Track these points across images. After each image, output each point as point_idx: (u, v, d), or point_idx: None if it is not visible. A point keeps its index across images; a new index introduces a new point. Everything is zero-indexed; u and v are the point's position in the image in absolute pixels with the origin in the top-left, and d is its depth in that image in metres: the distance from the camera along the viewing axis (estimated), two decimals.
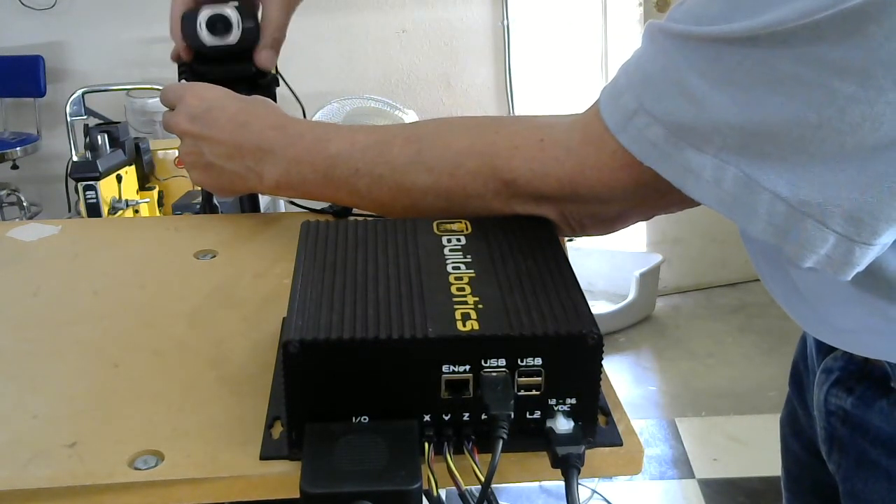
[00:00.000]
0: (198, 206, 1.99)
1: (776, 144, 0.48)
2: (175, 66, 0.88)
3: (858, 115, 0.45)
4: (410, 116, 2.60)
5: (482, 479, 0.46)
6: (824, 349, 0.71)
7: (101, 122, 2.29)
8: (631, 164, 0.55)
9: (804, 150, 0.47)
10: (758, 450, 2.15)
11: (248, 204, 0.93)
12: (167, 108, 0.77)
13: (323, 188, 0.68)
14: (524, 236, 0.60)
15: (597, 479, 2.01)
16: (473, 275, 0.54)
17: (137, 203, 2.09)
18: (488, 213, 0.63)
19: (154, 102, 3.01)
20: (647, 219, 0.65)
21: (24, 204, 3.40)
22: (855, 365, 0.66)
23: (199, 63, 0.85)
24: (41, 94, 3.33)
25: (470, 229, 0.61)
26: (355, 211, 0.76)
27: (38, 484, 0.48)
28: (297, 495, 0.45)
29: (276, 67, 0.90)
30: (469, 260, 0.56)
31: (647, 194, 0.58)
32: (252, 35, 0.84)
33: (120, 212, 2.03)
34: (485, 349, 0.47)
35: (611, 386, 0.57)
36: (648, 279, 2.86)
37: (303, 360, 0.47)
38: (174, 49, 0.86)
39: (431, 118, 0.69)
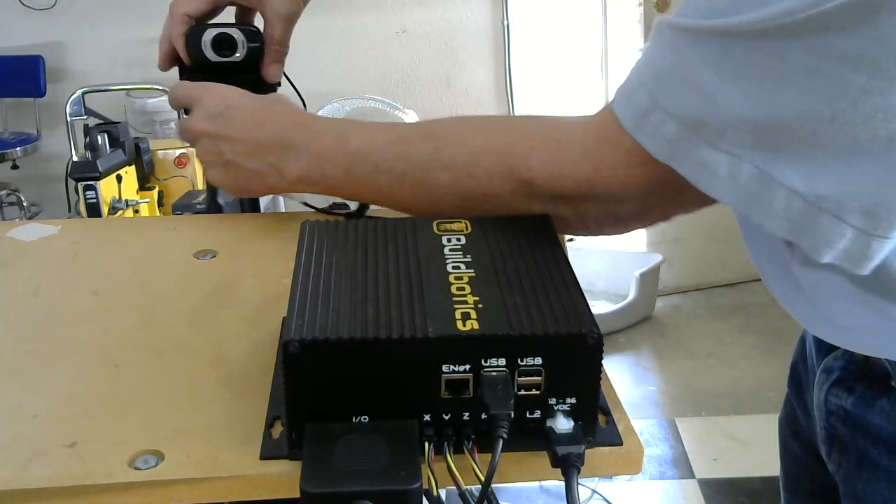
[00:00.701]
0: (198, 206, 2.00)
1: (790, 138, 0.47)
2: (175, 68, 0.88)
3: (871, 106, 0.44)
4: (410, 116, 2.60)
5: (482, 478, 0.46)
6: (824, 349, 0.70)
7: (101, 122, 2.29)
8: (647, 162, 0.55)
9: (818, 144, 0.47)
10: (758, 450, 2.15)
11: (248, 204, 0.93)
12: (177, 109, 0.77)
13: (343, 184, 0.68)
14: (524, 236, 0.60)
15: (597, 479, 2.01)
16: (473, 274, 0.54)
17: (137, 203, 2.09)
18: (506, 212, 0.63)
19: (154, 102, 3.01)
20: (666, 219, 0.64)
21: (24, 204, 3.40)
22: (855, 364, 0.66)
23: (200, 73, 0.85)
24: (41, 94, 3.33)
25: (470, 229, 0.61)
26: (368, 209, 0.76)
27: (38, 484, 0.48)
28: (297, 495, 0.45)
29: None
30: (469, 260, 0.56)
31: (664, 192, 0.58)
32: (257, 53, 0.84)
33: (120, 212, 2.03)
34: (485, 349, 0.47)
35: (611, 386, 0.57)
36: (648, 279, 2.86)
37: (303, 359, 0.47)
38: (160, 58, 0.86)
39: (450, 116, 0.69)
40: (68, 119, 2.50)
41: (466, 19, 3.38)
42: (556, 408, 0.49)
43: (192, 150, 2.28)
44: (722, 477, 2.09)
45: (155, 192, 2.19)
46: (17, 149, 3.34)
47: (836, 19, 0.43)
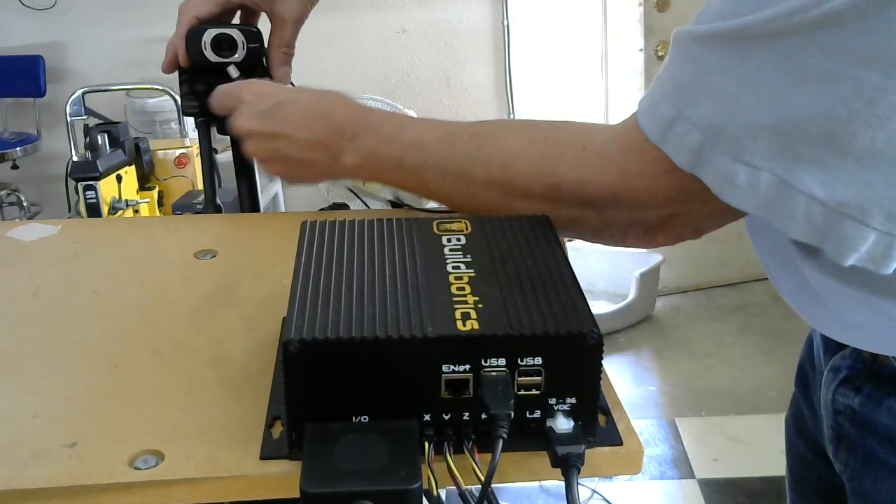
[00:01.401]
0: (198, 206, 2.00)
1: (808, 143, 0.47)
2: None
3: (887, 106, 0.44)
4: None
5: (482, 478, 0.46)
6: (832, 348, 0.70)
7: (101, 122, 2.29)
8: (673, 171, 0.55)
9: (836, 148, 0.46)
10: (758, 450, 2.15)
11: (249, 204, 0.94)
12: (223, 114, 0.77)
13: (395, 176, 0.70)
14: (524, 236, 0.60)
15: (597, 479, 2.01)
16: (473, 274, 0.54)
17: (137, 203, 2.10)
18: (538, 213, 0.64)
19: (154, 102, 3.01)
20: (696, 234, 0.64)
21: (24, 204, 3.40)
22: (863, 363, 0.66)
23: (200, 74, 0.85)
24: (41, 94, 3.33)
25: (470, 229, 0.61)
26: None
27: (38, 484, 0.48)
28: (297, 495, 0.45)
29: None
30: (469, 260, 0.56)
31: (690, 200, 0.58)
32: (256, 54, 0.84)
33: (120, 212, 2.03)
34: (485, 349, 0.47)
35: (611, 386, 0.57)
36: (648, 279, 2.86)
37: (303, 359, 0.47)
38: (165, 61, 0.86)
39: (495, 118, 0.72)
40: (68, 119, 2.50)
41: (466, 19, 3.38)
42: (556, 408, 0.49)
43: (192, 150, 2.28)
44: (722, 477, 2.09)
45: (155, 192, 2.19)
46: (17, 149, 3.34)
47: (849, 17, 0.43)
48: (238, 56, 0.83)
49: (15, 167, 3.38)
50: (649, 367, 2.65)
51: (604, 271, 3.04)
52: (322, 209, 0.81)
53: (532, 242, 0.59)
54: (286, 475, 0.49)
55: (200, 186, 2.23)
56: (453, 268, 0.55)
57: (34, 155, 3.40)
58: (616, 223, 0.63)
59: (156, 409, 0.55)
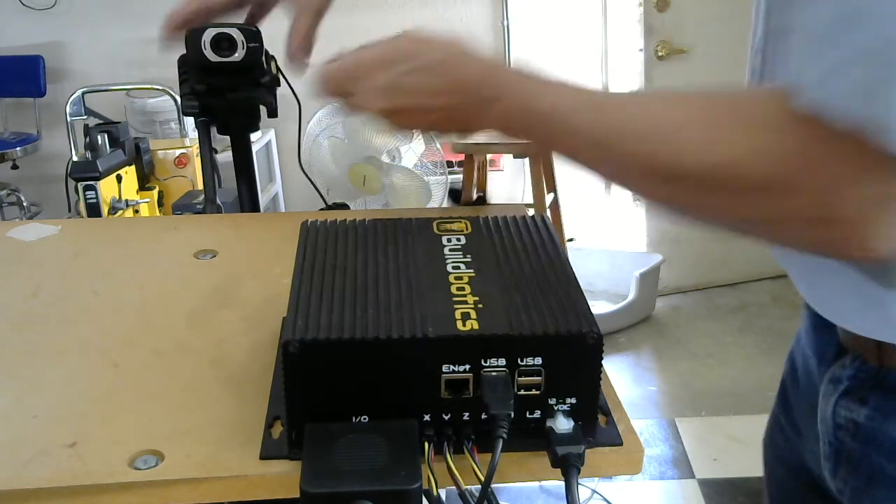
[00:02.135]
0: (198, 206, 2.00)
1: None
2: (175, 68, 0.88)
3: None
4: None
5: (482, 478, 0.46)
6: (828, 358, 0.66)
7: (101, 122, 2.29)
8: (852, 151, 0.47)
9: None
10: (758, 450, 2.15)
11: (249, 204, 0.94)
12: (337, 96, 0.68)
13: (538, 141, 0.62)
14: (524, 236, 0.60)
15: (597, 479, 2.01)
16: (473, 274, 0.54)
17: (137, 203, 2.09)
18: (690, 201, 0.55)
19: (154, 102, 3.01)
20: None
21: (24, 204, 3.40)
22: (866, 373, 0.62)
23: (203, 75, 0.85)
24: (41, 94, 3.33)
25: (470, 229, 0.61)
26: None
27: (38, 484, 0.48)
28: (297, 495, 0.45)
29: (279, 67, 0.90)
30: (469, 260, 0.56)
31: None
32: (256, 53, 0.84)
33: (120, 212, 2.03)
34: (485, 349, 0.47)
35: (611, 386, 0.57)
36: (648, 279, 2.86)
37: (303, 360, 0.47)
38: (166, 27, 0.83)
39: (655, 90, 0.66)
40: (68, 119, 2.50)
41: (466, 19, 3.38)
42: (556, 408, 0.49)
43: (192, 150, 2.28)
44: (722, 477, 2.09)
45: (155, 192, 2.19)
46: (17, 149, 3.34)
47: None
48: (238, 56, 0.83)
49: (15, 167, 3.38)
50: (649, 367, 2.65)
51: (604, 271, 3.04)
52: (322, 209, 0.81)
53: (532, 242, 0.59)
54: (286, 475, 0.49)
55: (200, 186, 2.23)
56: (453, 268, 0.55)
57: (34, 155, 3.40)
58: (789, 218, 0.52)
59: (156, 409, 0.55)
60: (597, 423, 0.51)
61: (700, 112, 0.54)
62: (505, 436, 0.46)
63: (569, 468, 0.47)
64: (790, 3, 0.57)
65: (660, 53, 2.97)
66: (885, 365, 0.60)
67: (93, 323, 0.66)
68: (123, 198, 2.04)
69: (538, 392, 0.49)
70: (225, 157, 0.97)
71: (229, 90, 0.87)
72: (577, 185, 3.35)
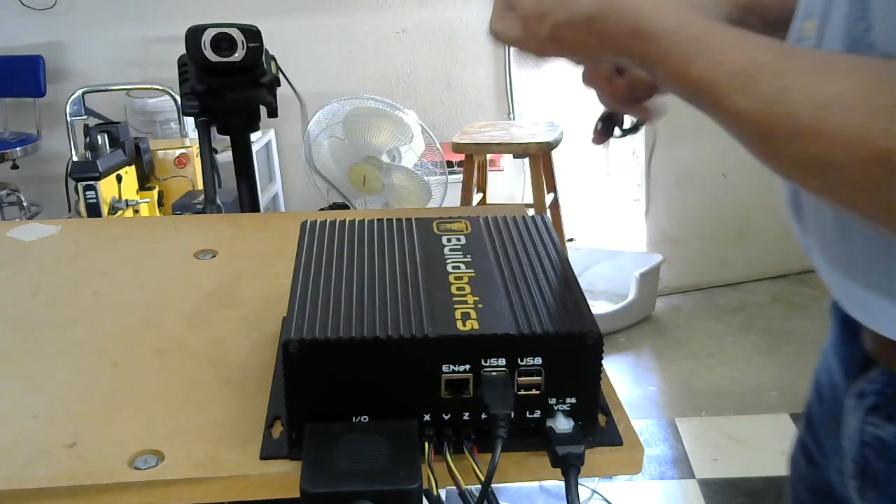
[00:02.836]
0: (198, 206, 2.00)
1: None
2: (175, 68, 0.88)
3: None
4: (410, 116, 2.60)
5: (482, 478, 0.46)
6: (854, 370, 0.63)
7: (101, 122, 2.29)
8: None
9: None
10: (758, 450, 2.15)
11: (249, 204, 0.94)
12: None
13: (695, 104, 0.56)
14: (524, 236, 0.60)
15: (597, 479, 2.01)
16: (473, 274, 0.54)
17: (137, 203, 2.09)
18: (855, 188, 0.49)
19: (154, 102, 3.01)
20: None
21: (24, 204, 3.40)
22: (893, 388, 0.59)
23: (204, 74, 0.85)
24: (41, 94, 3.33)
25: (470, 229, 0.61)
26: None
27: (38, 484, 0.48)
28: (297, 495, 0.45)
29: (279, 67, 0.90)
30: (469, 260, 0.56)
31: None
32: (256, 53, 0.84)
33: (120, 212, 2.03)
34: (485, 348, 0.47)
35: (611, 386, 0.57)
36: (648, 279, 2.86)
37: (303, 359, 0.47)
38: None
39: (810, 48, 0.58)
40: (68, 119, 2.50)
41: (466, 19, 3.38)
42: (556, 408, 0.49)
43: (192, 150, 2.28)
44: (722, 477, 2.09)
45: (155, 192, 2.19)
46: (17, 149, 3.34)
47: None
48: (238, 56, 0.83)
49: (15, 167, 3.38)
50: (649, 367, 2.65)
51: (604, 271, 3.04)
52: (322, 209, 0.81)
53: (532, 242, 0.59)
54: (286, 475, 0.49)
55: (200, 186, 2.23)
56: (453, 268, 0.55)
57: (34, 155, 3.40)
58: None
59: (156, 409, 0.55)
60: (597, 422, 0.51)
61: (877, 83, 0.47)
62: (505, 436, 0.46)
63: (569, 468, 0.47)
64: None
65: None
66: None
67: (93, 323, 0.66)
68: (123, 198, 2.05)
69: (538, 392, 0.49)
70: (225, 157, 0.97)
71: (229, 90, 0.87)
72: (577, 185, 3.35)
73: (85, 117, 2.49)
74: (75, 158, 2.09)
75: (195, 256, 0.77)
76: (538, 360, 0.48)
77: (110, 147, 2.04)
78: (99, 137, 2.02)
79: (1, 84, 3.40)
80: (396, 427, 0.48)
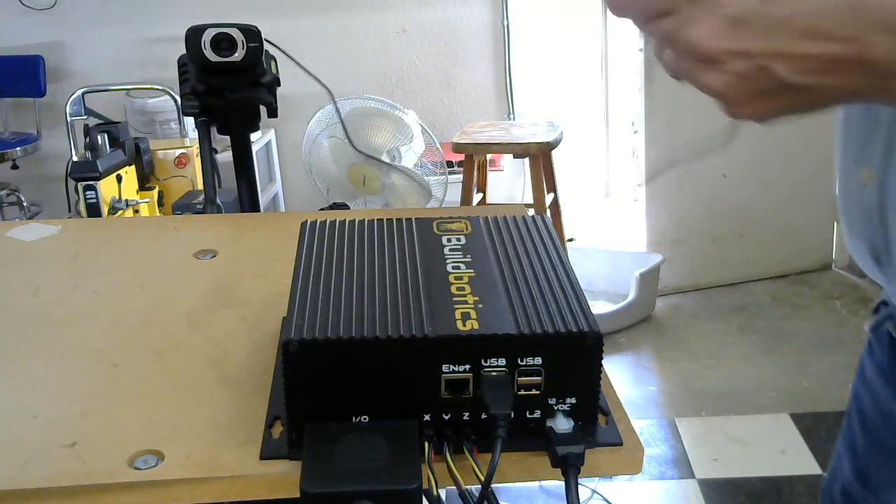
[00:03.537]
0: (198, 206, 2.00)
1: None
2: (175, 68, 0.88)
3: None
4: (410, 116, 2.60)
5: (482, 478, 0.46)
6: None
7: (101, 122, 2.29)
8: None
9: None
10: (758, 450, 2.15)
11: (249, 204, 0.94)
12: (650, 12, 0.47)
13: None
14: (524, 236, 0.60)
15: (597, 479, 2.01)
16: (473, 274, 0.54)
17: (137, 203, 2.09)
18: None
19: (154, 102, 3.01)
20: None
21: (24, 204, 3.40)
22: None
23: (204, 74, 0.85)
24: (41, 94, 3.33)
25: (470, 229, 0.61)
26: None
27: (38, 484, 0.48)
28: (297, 495, 0.45)
29: (278, 67, 0.90)
30: (469, 260, 0.56)
31: None
32: (256, 53, 0.84)
33: (120, 212, 2.03)
34: (484, 348, 0.47)
35: (611, 386, 0.57)
36: (648, 279, 2.86)
37: (303, 359, 0.47)
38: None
39: None
40: (68, 119, 2.50)
41: (466, 19, 3.38)
42: (555, 408, 0.49)
43: (192, 150, 2.28)
44: (722, 477, 2.09)
45: (155, 192, 2.19)
46: (17, 149, 3.34)
47: None
48: (238, 56, 0.83)
49: (15, 167, 3.38)
50: (649, 367, 2.65)
51: (604, 271, 3.04)
52: (322, 209, 0.81)
53: (532, 242, 0.59)
54: (286, 475, 0.49)
55: (200, 186, 2.23)
56: (453, 268, 0.55)
57: (34, 155, 3.40)
58: None
59: (156, 409, 0.55)
60: (597, 423, 0.51)
61: None
62: (505, 436, 0.46)
63: (569, 468, 0.47)
64: None
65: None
66: None
67: (93, 323, 0.66)
68: (123, 198, 2.05)
69: (538, 392, 0.49)
70: (225, 157, 0.97)
71: (229, 90, 0.87)
72: (577, 185, 3.35)
73: (85, 117, 2.49)
74: (75, 158, 2.09)
75: (195, 256, 0.77)
76: (538, 360, 0.48)
77: (110, 147, 2.04)
78: (99, 137, 2.02)
79: (1, 84, 3.40)
80: (396, 427, 0.48)
